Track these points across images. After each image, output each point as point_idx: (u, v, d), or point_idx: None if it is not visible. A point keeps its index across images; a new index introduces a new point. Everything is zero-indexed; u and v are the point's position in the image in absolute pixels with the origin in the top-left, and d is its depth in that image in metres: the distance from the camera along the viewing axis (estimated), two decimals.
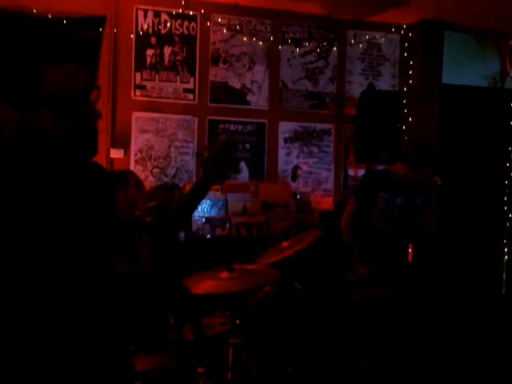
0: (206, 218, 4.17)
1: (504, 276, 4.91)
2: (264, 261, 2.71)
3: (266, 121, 4.73)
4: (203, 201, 1.54)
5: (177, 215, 1.48)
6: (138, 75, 4.38)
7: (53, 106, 1.12)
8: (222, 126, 4.59)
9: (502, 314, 4.36)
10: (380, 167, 4.91)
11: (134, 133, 4.37)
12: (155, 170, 4.41)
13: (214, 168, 1.41)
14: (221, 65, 4.59)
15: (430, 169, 3.12)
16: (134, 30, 4.36)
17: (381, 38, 5.01)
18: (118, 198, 2.39)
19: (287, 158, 4.78)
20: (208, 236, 4.15)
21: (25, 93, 1.11)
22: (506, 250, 4.98)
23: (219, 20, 4.56)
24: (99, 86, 1.26)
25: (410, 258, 3.26)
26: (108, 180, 1.34)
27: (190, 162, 4.51)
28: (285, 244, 2.83)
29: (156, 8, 4.41)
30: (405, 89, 5.02)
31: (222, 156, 1.41)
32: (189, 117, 4.50)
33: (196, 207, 1.50)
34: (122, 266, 1.46)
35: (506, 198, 5.13)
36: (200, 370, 2.40)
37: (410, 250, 3.27)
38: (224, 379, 2.40)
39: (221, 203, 4.28)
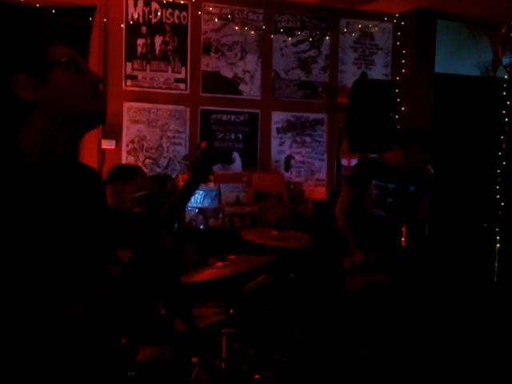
0: (199, 209, 4.16)
1: (496, 264, 4.94)
2: (250, 238, 2.73)
3: (258, 111, 4.70)
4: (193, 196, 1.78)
5: (171, 209, 1.66)
6: (129, 65, 4.33)
7: (64, 65, 1.18)
8: (214, 116, 4.57)
9: (494, 302, 4.39)
10: (373, 156, 4.93)
11: (125, 123, 4.33)
12: (147, 161, 4.38)
13: (200, 169, 1.69)
14: (212, 54, 4.55)
15: (416, 150, 3.14)
16: (124, 19, 4.30)
17: (373, 27, 4.98)
18: (125, 190, 2.42)
19: (280, 147, 4.77)
20: (201, 226, 4.14)
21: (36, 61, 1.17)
22: (498, 238, 5.01)
23: (210, 9, 4.52)
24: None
25: (403, 243, 3.27)
26: (100, 179, 1.47)
27: (182, 153, 4.48)
28: (274, 233, 2.82)
29: None
30: (397, 78, 5.01)
31: (205, 160, 1.69)
32: (181, 107, 4.46)
33: (188, 201, 1.74)
34: (124, 257, 1.49)
35: (498, 187, 5.15)
36: (194, 359, 2.39)
37: (402, 237, 3.28)
38: (218, 369, 2.40)
39: (214, 194, 4.26)
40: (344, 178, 4.39)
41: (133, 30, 4.33)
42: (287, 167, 4.79)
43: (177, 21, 4.45)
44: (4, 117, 1.20)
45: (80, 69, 1.21)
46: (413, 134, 3.27)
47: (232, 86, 4.62)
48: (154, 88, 4.40)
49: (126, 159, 4.30)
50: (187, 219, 4.11)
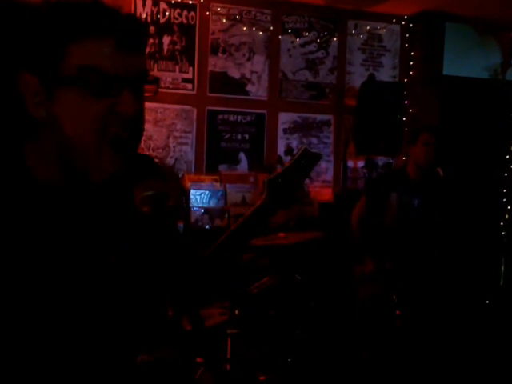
0: (205, 209, 4.16)
1: (502, 268, 4.91)
2: (258, 243, 2.73)
3: (265, 111, 4.70)
4: (262, 232, 1.11)
5: (227, 249, 1.13)
6: None
7: (74, 82, 0.87)
8: (221, 117, 4.57)
9: (500, 305, 4.37)
10: (380, 159, 4.92)
11: None
12: None
13: (282, 189, 1.06)
14: (220, 54, 4.56)
15: (427, 136, 3.08)
16: None
17: (382, 29, 4.97)
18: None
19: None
20: (207, 226, 4.14)
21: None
22: (504, 241, 4.99)
23: (218, 9, 4.52)
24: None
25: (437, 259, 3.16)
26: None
27: (189, 153, 4.49)
28: (281, 235, 2.83)
29: None
30: (405, 80, 4.99)
31: (295, 173, 1.05)
32: (187, 107, 4.47)
33: (252, 238, 1.12)
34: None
35: (505, 190, 5.13)
36: (198, 360, 2.39)
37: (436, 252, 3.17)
38: (222, 370, 2.40)
39: (220, 194, 4.26)
40: (363, 187, 4.33)
41: None
42: None
43: (185, 21, 4.45)
44: (7, 126, 0.93)
45: (99, 90, 0.86)
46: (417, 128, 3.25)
47: (239, 86, 4.62)
48: (161, 88, 4.39)
49: None
50: (193, 219, 4.11)
